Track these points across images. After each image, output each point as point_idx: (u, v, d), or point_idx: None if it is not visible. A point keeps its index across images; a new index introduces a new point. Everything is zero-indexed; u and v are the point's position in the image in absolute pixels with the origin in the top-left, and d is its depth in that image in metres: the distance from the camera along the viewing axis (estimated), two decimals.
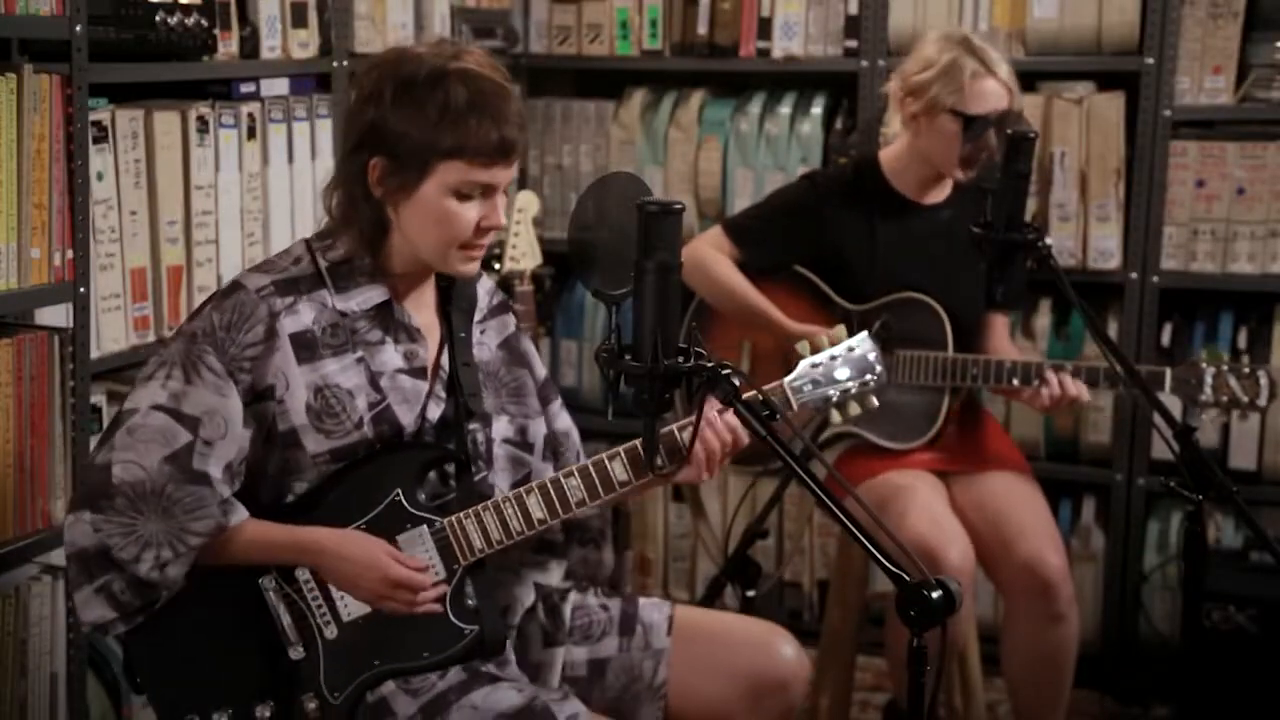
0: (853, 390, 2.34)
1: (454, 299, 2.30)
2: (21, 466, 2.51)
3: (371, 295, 2.20)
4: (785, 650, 2.35)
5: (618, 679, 2.33)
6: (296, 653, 2.17)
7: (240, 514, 2.14)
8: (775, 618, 3.95)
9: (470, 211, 2.15)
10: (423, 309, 2.27)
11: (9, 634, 2.53)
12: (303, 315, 2.16)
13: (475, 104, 2.11)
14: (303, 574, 2.17)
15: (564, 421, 2.44)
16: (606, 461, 2.22)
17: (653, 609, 2.38)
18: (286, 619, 2.17)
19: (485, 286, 2.38)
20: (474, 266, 2.21)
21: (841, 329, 2.40)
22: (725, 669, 2.32)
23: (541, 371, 2.42)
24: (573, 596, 2.40)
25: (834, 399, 2.34)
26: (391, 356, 2.22)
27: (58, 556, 2.60)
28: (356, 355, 2.19)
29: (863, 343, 2.36)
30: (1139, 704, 3.71)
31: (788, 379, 2.32)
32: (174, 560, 2.09)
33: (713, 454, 2.22)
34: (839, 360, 2.34)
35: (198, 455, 2.09)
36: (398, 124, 2.12)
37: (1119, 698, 3.75)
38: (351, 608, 2.18)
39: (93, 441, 2.62)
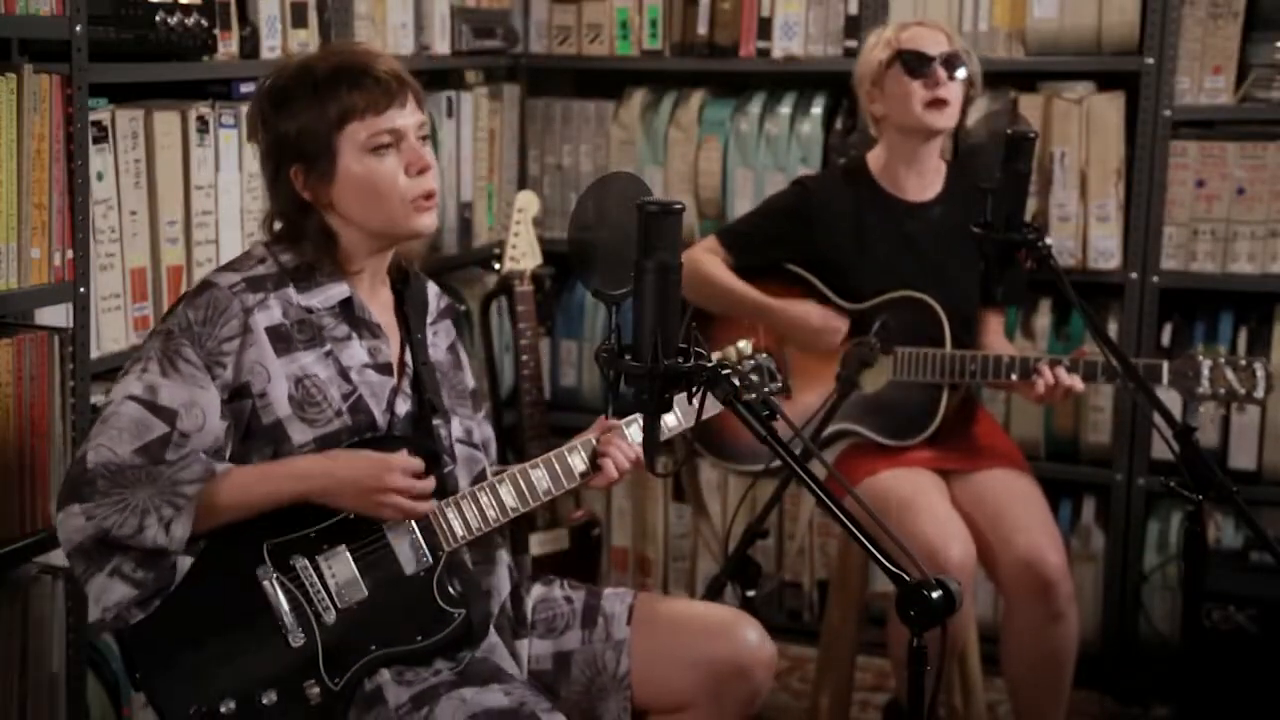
0: (765, 395, 2.50)
1: (408, 300, 2.36)
2: (21, 466, 2.51)
3: (333, 293, 2.26)
4: (748, 635, 2.36)
5: (583, 672, 2.37)
6: (296, 640, 2.18)
7: (225, 464, 2.16)
8: (775, 618, 3.99)
9: (391, 162, 2.21)
10: (381, 309, 2.33)
11: (9, 634, 2.53)
12: (274, 310, 2.21)
13: (339, 68, 2.20)
14: (299, 561, 2.20)
15: (486, 431, 2.50)
16: (566, 454, 2.34)
17: (615, 599, 2.42)
18: (285, 607, 2.18)
19: (433, 290, 2.45)
20: (429, 219, 2.25)
21: (744, 343, 2.59)
22: (686, 657, 2.34)
23: (473, 380, 2.50)
24: (536, 589, 2.45)
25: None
26: (358, 352, 2.27)
27: (58, 556, 2.59)
28: (325, 349, 2.24)
29: (766, 356, 2.60)
30: (1139, 704, 3.71)
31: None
32: (177, 516, 2.10)
33: (622, 467, 2.35)
34: (750, 368, 2.57)
35: (172, 447, 2.12)
36: (287, 125, 2.20)
37: (1119, 698, 3.75)
38: (347, 595, 2.21)
39: None
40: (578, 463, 2.34)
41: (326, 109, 2.18)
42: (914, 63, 3.14)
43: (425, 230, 2.26)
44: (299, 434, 2.20)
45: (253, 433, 2.19)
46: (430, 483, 2.22)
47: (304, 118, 2.19)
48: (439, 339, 2.42)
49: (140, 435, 2.12)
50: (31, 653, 2.56)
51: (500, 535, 2.42)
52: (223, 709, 2.15)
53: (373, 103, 2.19)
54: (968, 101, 3.22)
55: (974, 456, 3.22)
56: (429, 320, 2.40)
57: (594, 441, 2.35)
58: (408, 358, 2.32)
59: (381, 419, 2.26)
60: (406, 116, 2.22)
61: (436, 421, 2.32)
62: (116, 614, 2.13)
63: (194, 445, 2.13)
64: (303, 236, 2.24)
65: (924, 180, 3.26)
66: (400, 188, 2.21)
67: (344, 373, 2.24)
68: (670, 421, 2.41)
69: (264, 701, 2.16)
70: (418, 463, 2.21)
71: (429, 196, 2.23)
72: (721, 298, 3.29)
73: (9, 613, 2.53)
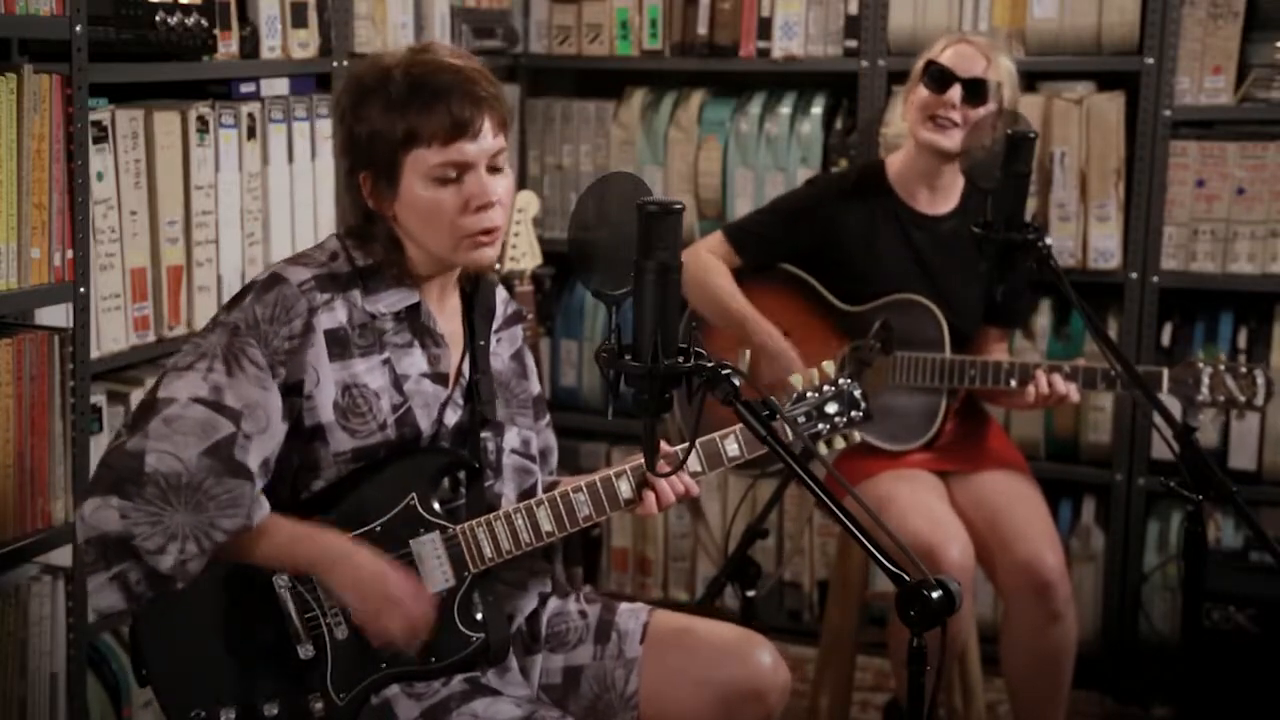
0: (841, 425, 2.47)
1: (476, 306, 2.31)
2: (21, 466, 2.51)
3: (400, 298, 2.21)
4: (762, 658, 2.31)
5: (591, 688, 2.32)
6: (306, 652, 2.16)
7: (263, 509, 2.12)
8: (775, 618, 3.99)
9: (451, 195, 2.15)
10: (448, 316, 2.28)
11: (9, 634, 2.53)
12: (338, 313, 2.17)
13: (416, 89, 2.13)
14: None
15: (548, 439, 2.46)
16: (614, 479, 2.27)
17: (630, 616, 2.37)
18: (297, 618, 2.16)
19: (501, 296, 2.39)
20: (487, 253, 2.19)
21: (829, 365, 2.49)
22: (699, 677, 2.30)
23: (538, 387, 2.45)
24: (551, 603, 2.40)
25: (823, 433, 2.47)
26: (417, 360, 2.23)
27: (58, 556, 2.60)
28: (383, 357, 2.20)
29: (850, 381, 2.49)
30: (1139, 704, 3.71)
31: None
32: (197, 555, 2.06)
33: (667, 500, 2.31)
34: (829, 394, 2.47)
35: (239, 448, 2.08)
36: (360, 127, 2.16)
37: (1119, 698, 3.75)
38: None
39: (93, 441, 2.62)
40: (624, 488, 2.28)
41: (395, 125, 2.12)
42: (936, 77, 3.12)
43: (481, 265, 2.20)
44: (338, 441, 2.16)
45: (295, 432, 2.16)
46: (419, 638, 2.15)
47: (375, 124, 2.14)
48: (502, 347, 2.36)
49: (207, 435, 2.06)
50: (31, 653, 2.56)
51: (546, 559, 2.38)
52: (223, 716, 2.14)
53: (440, 131, 2.11)
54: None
55: (973, 458, 3.23)
56: (494, 327, 2.34)
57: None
58: (464, 368, 2.28)
59: (429, 430, 2.22)
60: (476, 148, 2.14)
61: (485, 434, 2.27)
62: (105, 619, 2.10)
63: (257, 448, 2.08)
64: (372, 239, 2.21)
65: (936, 194, 3.24)
66: (457, 223, 2.15)
67: (398, 383, 2.20)
68: (732, 450, 2.36)
69: (265, 712, 2.14)
70: (428, 614, 2.14)
71: (488, 233, 2.17)
72: (721, 315, 3.27)
73: (9, 613, 2.53)
